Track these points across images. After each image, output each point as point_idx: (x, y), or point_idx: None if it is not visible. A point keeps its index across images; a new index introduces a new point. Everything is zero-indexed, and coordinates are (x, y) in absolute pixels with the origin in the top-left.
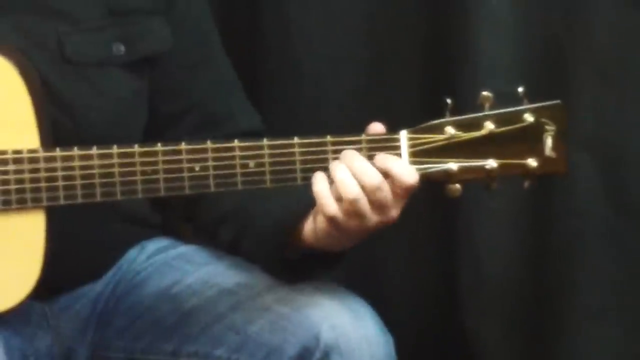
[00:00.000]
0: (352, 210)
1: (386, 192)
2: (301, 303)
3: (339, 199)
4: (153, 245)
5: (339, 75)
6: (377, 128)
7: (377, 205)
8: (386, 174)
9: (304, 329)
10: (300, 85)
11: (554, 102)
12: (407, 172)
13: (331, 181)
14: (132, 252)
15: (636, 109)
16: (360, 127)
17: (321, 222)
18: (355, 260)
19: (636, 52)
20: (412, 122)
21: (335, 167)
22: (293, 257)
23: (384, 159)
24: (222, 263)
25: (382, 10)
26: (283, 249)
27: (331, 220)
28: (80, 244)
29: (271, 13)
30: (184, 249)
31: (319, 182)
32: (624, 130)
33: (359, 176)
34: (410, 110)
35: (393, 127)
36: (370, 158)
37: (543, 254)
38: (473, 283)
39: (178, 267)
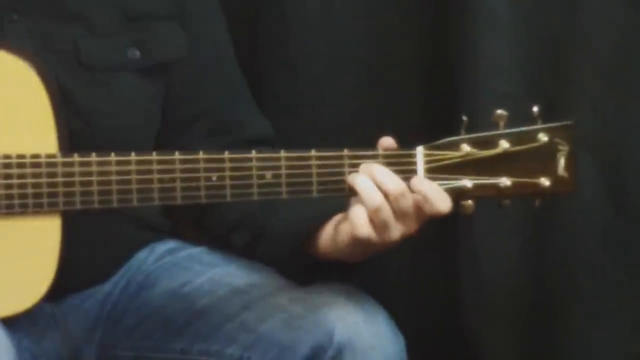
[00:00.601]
0: (376, 221)
1: (410, 200)
2: (314, 302)
3: (371, 219)
4: (163, 246)
5: (339, 75)
6: (388, 142)
7: (401, 214)
8: (422, 197)
9: (318, 327)
10: (299, 86)
11: (567, 122)
12: (443, 200)
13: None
14: (142, 254)
15: (636, 109)
16: (360, 128)
17: (345, 234)
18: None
19: (636, 52)
20: (412, 123)
21: (356, 177)
22: (307, 264)
23: (420, 182)
24: (232, 264)
25: (381, 10)
26: (299, 256)
27: (360, 240)
28: (90, 245)
29: (270, 13)
30: (194, 250)
31: (356, 205)
32: (624, 130)
33: (381, 184)
34: (411, 110)
35: (393, 127)
36: None
37: (543, 254)
38: (474, 284)
39: (188, 268)
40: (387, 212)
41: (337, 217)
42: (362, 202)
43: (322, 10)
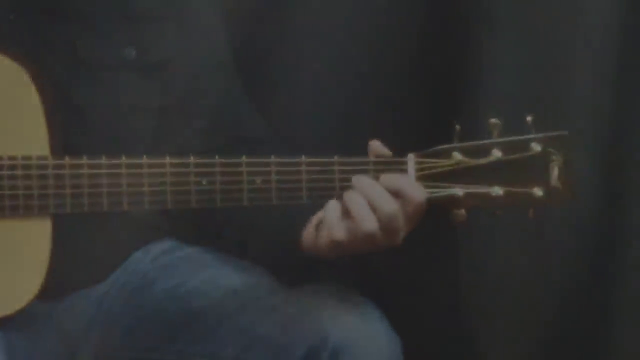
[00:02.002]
0: (366, 239)
1: (400, 219)
2: (308, 304)
3: (347, 224)
4: (159, 246)
5: (338, 77)
6: (378, 146)
7: (390, 232)
8: (397, 194)
9: (312, 330)
10: (298, 87)
11: (561, 132)
12: (417, 191)
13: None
14: (138, 254)
15: (636, 109)
16: (359, 130)
17: (324, 241)
18: (356, 262)
19: (636, 52)
20: (412, 124)
21: (354, 200)
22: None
23: (392, 179)
24: (227, 265)
25: (381, 12)
26: (292, 250)
27: (337, 243)
28: (87, 246)
29: (271, 14)
30: (190, 250)
31: (330, 210)
32: (624, 131)
33: (376, 205)
34: (410, 112)
35: (393, 130)
36: (376, 179)
37: (544, 254)
38: (475, 284)
39: (184, 269)
40: (378, 235)
41: (318, 216)
42: (356, 224)
43: (320, 12)
